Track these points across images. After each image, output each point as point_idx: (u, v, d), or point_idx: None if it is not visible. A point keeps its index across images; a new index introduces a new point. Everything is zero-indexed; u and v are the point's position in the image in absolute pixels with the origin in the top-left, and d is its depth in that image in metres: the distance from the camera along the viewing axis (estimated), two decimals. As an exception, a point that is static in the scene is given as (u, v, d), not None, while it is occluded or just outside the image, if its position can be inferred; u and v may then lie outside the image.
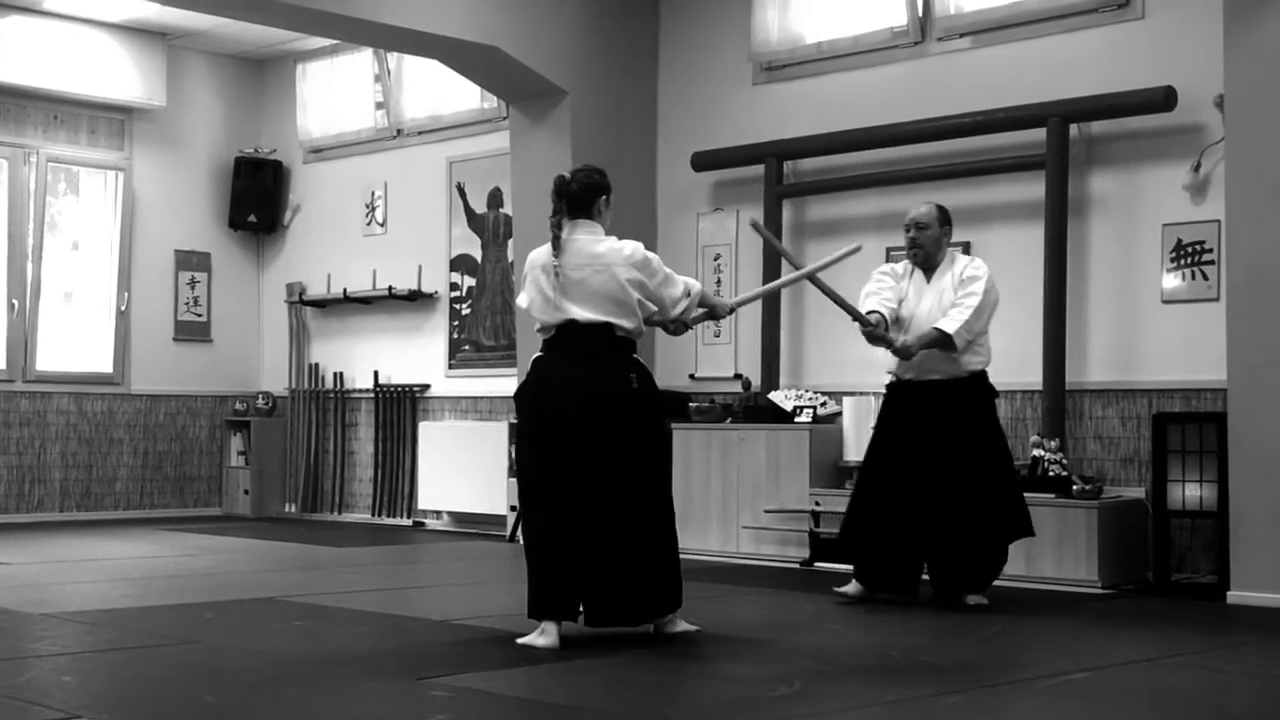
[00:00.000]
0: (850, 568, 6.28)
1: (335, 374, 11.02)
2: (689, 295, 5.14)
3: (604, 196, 5.09)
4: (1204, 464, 6.62)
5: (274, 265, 11.58)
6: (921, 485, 6.00)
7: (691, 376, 8.87)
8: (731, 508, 7.95)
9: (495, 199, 9.97)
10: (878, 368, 7.62)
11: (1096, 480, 6.94)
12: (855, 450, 7.68)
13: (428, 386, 10.39)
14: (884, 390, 6.30)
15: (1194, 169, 6.94)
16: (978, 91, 7.66)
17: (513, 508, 8.90)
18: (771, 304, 8.24)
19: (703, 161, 8.72)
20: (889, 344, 5.96)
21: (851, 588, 6.17)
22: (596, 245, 5.00)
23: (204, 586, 6.63)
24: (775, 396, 8.04)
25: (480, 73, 8.73)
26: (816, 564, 7.52)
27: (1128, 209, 7.21)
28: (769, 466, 7.81)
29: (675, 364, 8.80)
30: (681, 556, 5.18)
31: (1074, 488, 6.79)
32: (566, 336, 4.97)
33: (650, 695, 4.21)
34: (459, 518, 10.02)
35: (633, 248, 5.00)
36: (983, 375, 6.09)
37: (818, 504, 7.57)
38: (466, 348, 10.15)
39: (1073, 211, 7.29)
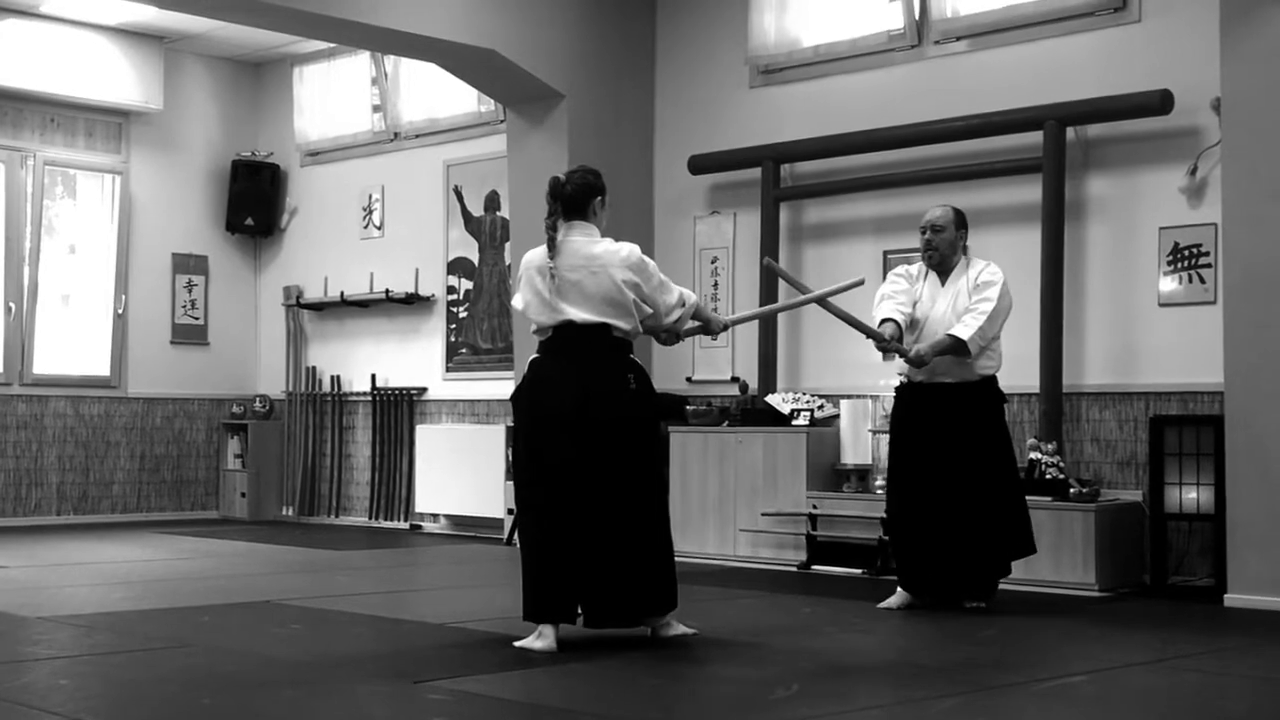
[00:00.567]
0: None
1: (332, 377, 11.02)
2: (683, 305, 5.13)
3: (599, 198, 5.09)
4: (1201, 467, 6.62)
5: (271, 268, 11.58)
6: (938, 491, 5.99)
7: (689, 379, 8.87)
8: (729, 511, 7.95)
9: (492, 202, 9.97)
10: (875, 371, 7.65)
11: (1094, 483, 6.94)
12: (852, 453, 7.68)
13: (425, 390, 10.38)
14: (894, 392, 6.28)
15: (1190, 172, 6.95)
16: (974, 95, 7.66)
17: (510, 511, 8.90)
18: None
19: (700, 165, 8.72)
20: (902, 354, 5.95)
21: (895, 599, 6.08)
22: (593, 246, 5.00)
23: (201, 590, 6.62)
24: (772, 399, 8.04)
25: (477, 76, 8.73)
26: (814, 567, 7.52)
27: (1124, 212, 7.22)
28: (766, 469, 7.81)
29: (672, 367, 8.79)
30: (678, 559, 5.18)
31: (1071, 491, 6.79)
32: (563, 338, 4.97)
33: (648, 698, 4.21)
34: (456, 521, 10.02)
35: (629, 250, 5.00)
36: (993, 380, 6.07)
37: (815, 507, 7.57)
38: (464, 351, 10.15)
39: (1069, 215, 7.30)
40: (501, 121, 9.47)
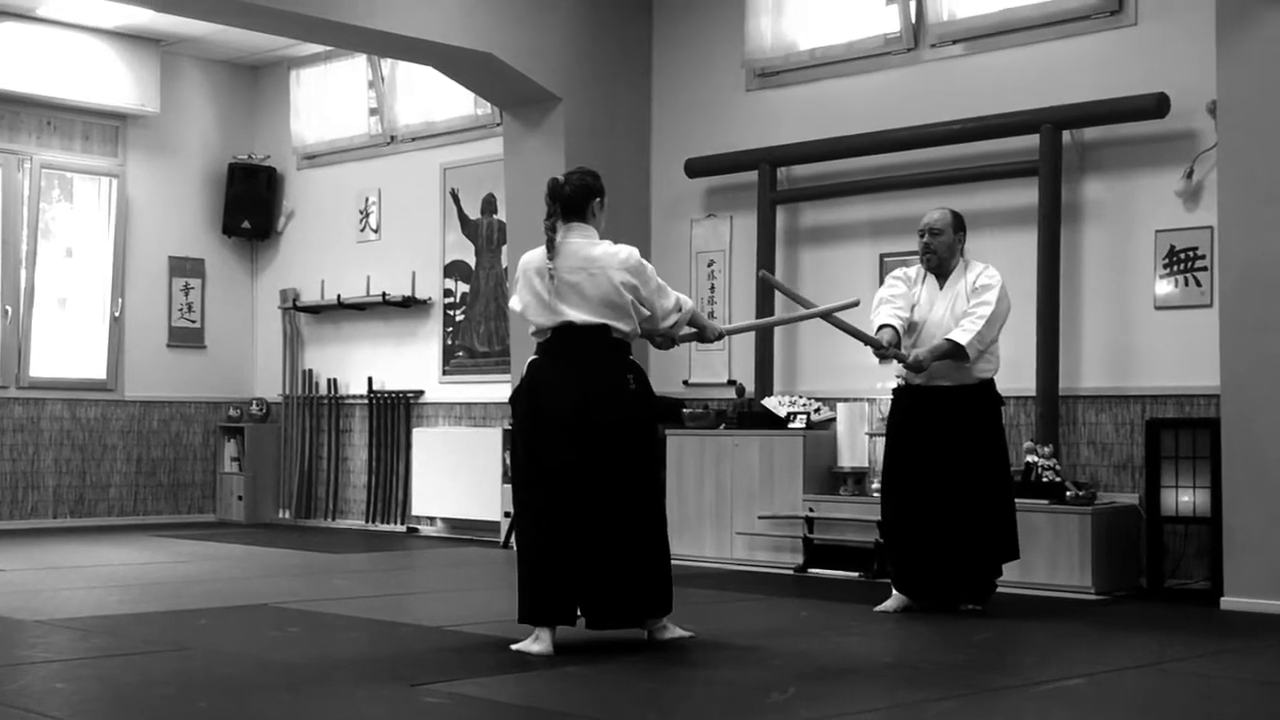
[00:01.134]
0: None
1: (329, 380, 11.02)
2: (680, 310, 5.14)
3: (598, 199, 5.10)
4: (1197, 470, 6.63)
5: (268, 271, 11.58)
6: (934, 494, 5.99)
7: (685, 382, 8.87)
8: (725, 514, 7.95)
9: (489, 205, 9.98)
10: (871, 374, 7.66)
11: (1090, 486, 6.95)
12: (849, 456, 7.68)
13: (421, 393, 10.38)
14: (891, 395, 6.28)
15: (1187, 175, 6.96)
16: (971, 98, 7.67)
17: (507, 514, 8.89)
18: (765, 311, 8.22)
19: (696, 168, 8.73)
20: (901, 359, 5.95)
21: (891, 603, 6.09)
22: (591, 248, 5.00)
23: (197, 593, 6.62)
24: (769, 402, 8.04)
25: (474, 79, 8.73)
26: (810, 570, 7.53)
27: (1121, 215, 7.22)
28: (763, 472, 7.81)
29: (669, 370, 8.79)
30: (675, 562, 5.18)
31: (1067, 494, 6.79)
32: (563, 339, 4.97)
33: (644, 701, 4.21)
34: (453, 524, 10.02)
35: (628, 252, 5.01)
36: (991, 383, 6.08)
37: (811, 510, 7.57)
38: (460, 354, 10.15)
39: (1066, 218, 7.31)
40: (498, 125, 9.47)
